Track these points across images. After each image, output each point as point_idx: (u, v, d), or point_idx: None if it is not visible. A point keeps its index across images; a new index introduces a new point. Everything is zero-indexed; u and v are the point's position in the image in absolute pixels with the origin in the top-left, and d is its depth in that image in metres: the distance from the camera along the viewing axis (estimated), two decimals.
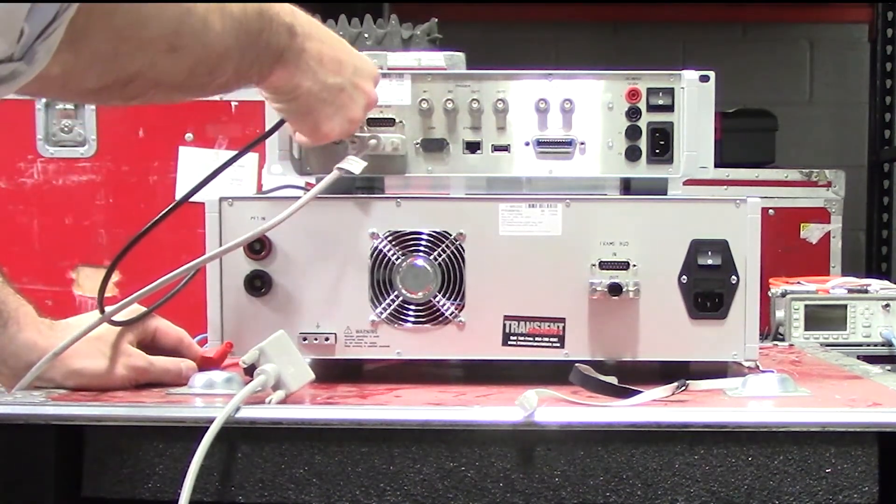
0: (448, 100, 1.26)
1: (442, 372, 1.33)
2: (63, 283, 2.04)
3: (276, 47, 1.09)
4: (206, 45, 0.98)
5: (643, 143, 1.26)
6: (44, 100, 2.05)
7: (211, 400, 1.11)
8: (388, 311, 1.22)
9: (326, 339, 1.23)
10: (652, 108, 1.26)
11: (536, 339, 1.22)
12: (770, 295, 2.02)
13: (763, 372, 1.22)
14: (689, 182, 1.29)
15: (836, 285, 2.04)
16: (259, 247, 1.23)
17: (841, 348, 1.81)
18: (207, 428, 0.99)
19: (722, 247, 1.21)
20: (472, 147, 1.27)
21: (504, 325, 1.22)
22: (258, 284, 1.23)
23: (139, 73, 0.93)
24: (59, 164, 2.05)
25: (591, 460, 1.02)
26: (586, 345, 1.22)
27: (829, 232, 2.77)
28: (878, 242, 3.53)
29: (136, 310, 1.20)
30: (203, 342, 1.27)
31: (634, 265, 1.21)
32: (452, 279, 1.22)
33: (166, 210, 1.20)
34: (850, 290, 2.01)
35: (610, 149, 1.27)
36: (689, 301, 1.21)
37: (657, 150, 1.26)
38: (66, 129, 2.06)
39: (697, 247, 1.21)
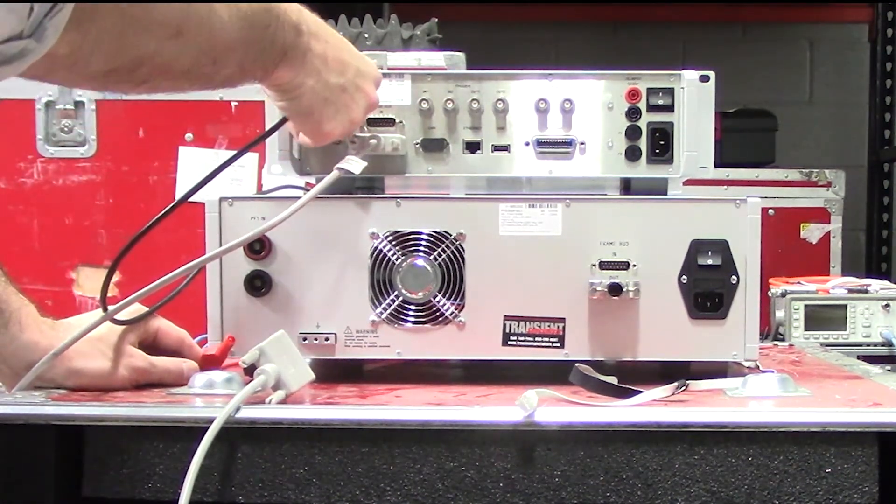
0: (448, 100, 1.26)
1: (442, 372, 1.33)
2: (63, 283, 2.04)
3: (282, 44, 1.09)
4: (212, 34, 0.98)
5: (643, 143, 1.26)
6: (44, 100, 2.05)
7: (211, 400, 1.11)
8: (388, 311, 1.22)
9: (326, 339, 1.23)
10: (652, 108, 1.26)
11: (536, 339, 1.22)
12: (770, 295, 2.02)
13: (763, 372, 1.22)
14: (689, 182, 1.29)
15: (836, 285, 2.04)
16: (259, 247, 1.23)
17: (841, 348, 1.81)
18: (207, 428, 0.99)
19: (722, 247, 1.21)
20: (472, 147, 1.27)
21: (504, 325, 1.22)
22: (258, 284, 1.23)
23: (145, 58, 0.93)
24: (59, 164, 2.05)
25: (591, 460, 1.02)
26: (586, 345, 1.22)
27: (829, 232, 2.77)
28: (878, 242, 3.53)
29: (137, 310, 1.20)
30: (203, 342, 1.27)
31: (634, 265, 1.21)
32: (452, 279, 1.22)
33: (166, 209, 1.20)
34: (850, 290, 2.01)
35: (610, 149, 1.27)
36: (689, 301, 1.21)
37: (657, 150, 1.26)
38: (66, 129, 2.06)
39: (697, 247, 1.21)
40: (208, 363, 1.23)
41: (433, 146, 1.27)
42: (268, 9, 1.05)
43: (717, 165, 1.33)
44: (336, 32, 1.18)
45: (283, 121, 1.22)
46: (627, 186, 1.30)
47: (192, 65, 0.99)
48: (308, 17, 1.13)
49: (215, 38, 0.99)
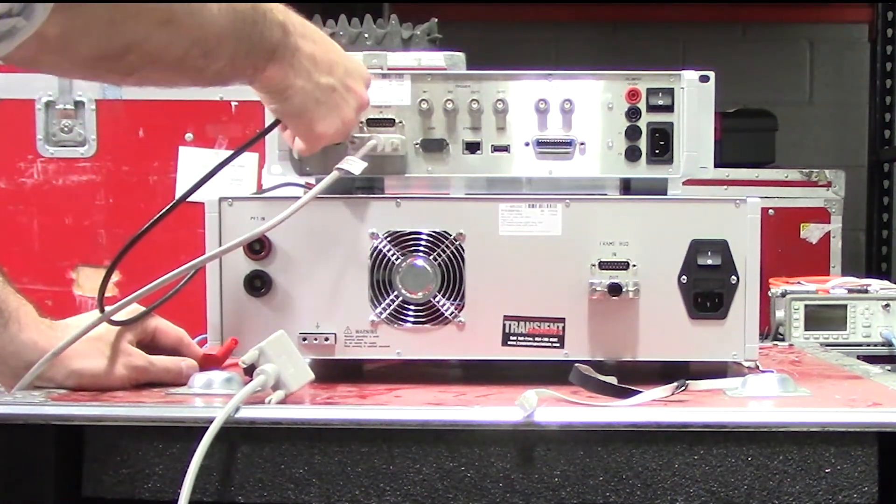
0: (448, 100, 1.26)
1: (442, 372, 1.33)
2: (63, 283, 2.04)
3: (270, 42, 1.10)
4: (202, 25, 0.99)
5: (643, 144, 1.26)
6: (44, 99, 2.05)
7: (210, 400, 1.11)
8: (388, 311, 1.22)
9: (326, 339, 1.23)
10: (652, 109, 1.26)
11: (536, 339, 1.22)
12: (770, 295, 2.02)
13: (763, 372, 1.22)
14: (689, 182, 1.29)
15: (836, 285, 2.04)
16: (259, 247, 1.23)
17: (841, 348, 1.81)
18: (207, 428, 0.99)
19: (722, 247, 1.21)
20: (472, 147, 1.27)
21: (504, 325, 1.22)
22: (258, 284, 1.23)
23: (134, 45, 0.94)
24: (59, 164, 2.05)
25: (591, 460, 1.02)
26: (586, 345, 1.22)
27: (829, 232, 2.77)
28: (878, 242, 3.53)
29: (135, 309, 1.20)
30: (203, 342, 1.27)
31: (634, 265, 1.21)
32: (452, 279, 1.22)
33: (164, 210, 1.20)
34: (850, 290, 2.02)
35: (610, 149, 1.27)
36: (689, 301, 1.21)
37: (657, 151, 1.26)
38: (66, 129, 2.06)
39: (697, 247, 1.21)
40: (209, 363, 1.23)
41: (433, 146, 1.27)
42: (254, 6, 1.06)
43: (717, 165, 1.33)
44: (323, 34, 1.19)
45: (276, 122, 1.21)
46: (627, 186, 1.30)
47: (183, 56, 1.00)
48: (294, 18, 1.13)
49: (205, 30, 1.00)
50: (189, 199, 1.20)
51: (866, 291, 2.01)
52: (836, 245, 2.77)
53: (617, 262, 1.21)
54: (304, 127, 1.19)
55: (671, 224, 1.21)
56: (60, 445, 1.04)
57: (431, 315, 1.22)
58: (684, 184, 1.29)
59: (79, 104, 2.06)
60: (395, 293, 1.22)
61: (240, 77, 1.11)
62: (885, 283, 2.06)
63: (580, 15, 3.64)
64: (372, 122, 1.26)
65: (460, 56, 1.99)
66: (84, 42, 0.90)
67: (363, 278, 1.22)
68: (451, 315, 1.22)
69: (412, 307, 1.22)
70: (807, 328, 1.98)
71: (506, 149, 1.27)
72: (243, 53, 1.07)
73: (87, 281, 2.04)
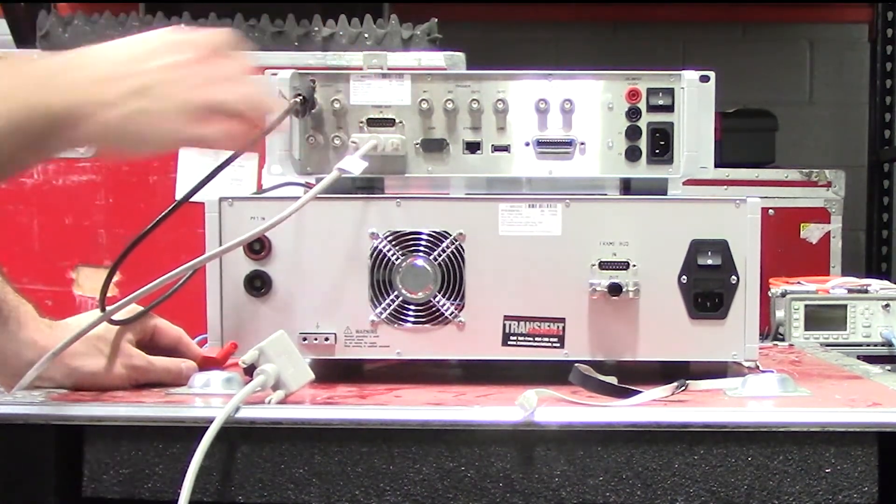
0: (448, 100, 1.26)
1: (442, 372, 1.33)
2: (63, 283, 2.04)
3: (44, 106, 0.97)
4: None
5: (643, 144, 1.26)
6: None
7: (210, 400, 1.11)
8: (388, 311, 1.22)
9: (326, 339, 1.23)
10: (652, 109, 1.26)
11: (536, 339, 1.22)
12: (770, 295, 2.03)
13: (763, 372, 1.22)
14: (689, 182, 1.29)
15: (836, 285, 2.04)
16: (259, 247, 1.23)
17: (841, 348, 1.81)
18: (207, 428, 0.99)
19: (722, 247, 1.21)
20: (472, 147, 1.27)
21: (504, 325, 1.22)
22: (258, 284, 1.23)
23: None
24: (59, 164, 2.05)
25: (591, 460, 1.02)
26: (586, 345, 1.22)
27: (829, 232, 2.77)
28: (878, 242, 3.53)
29: (135, 309, 1.20)
30: (203, 342, 1.27)
31: (634, 265, 1.21)
32: (452, 279, 1.22)
33: (166, 212, 1.20)
34: (850, 290, 2.02)
35: (610, 149, 1.27)
36: (689, 301, 1.21)
37: (657, 151, 1.26)
38: None
39: (697, 247, 1.21)
40: (209, 365, 1.23)
41: (433, 146, 1.27)
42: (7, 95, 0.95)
43: (717, 165, 1.33)
44: (91, 47, 1.01)
45: (235, 155, 1.17)
46: (627, 186, 1.30)
47: None
48: (46, 61, 1.00)
49: None
50: (189, 200, 1.20)
51: (866, 291, 2.01)
52: (836, 245, 2.77)
53: (617, 262, 1.21)
54: (173, 141, 1.03)
55: (671, 224, 1.21)
56: (60, 445, 1.04)
57: (431, 315, 1.22)
58: (684, 184, 1.29)
59: None
60: (395, 293, 1.22)
61: (52, 153, 1.01)
62: (885, 283, 2.06)
63: (580, 15, 3.64)
64: (372, 122, 1.26)
65: (460, 56, 1.99)
66: None
67: (363, 278, 1.22)
68: (451, 315, 1.22)
69: (412, 307, 1.22)
70: (807, 328, 1.98)
71: (506, 149, 1.27)
72: (23, 137, 0.96)
73: (87, 281, 2.03)
